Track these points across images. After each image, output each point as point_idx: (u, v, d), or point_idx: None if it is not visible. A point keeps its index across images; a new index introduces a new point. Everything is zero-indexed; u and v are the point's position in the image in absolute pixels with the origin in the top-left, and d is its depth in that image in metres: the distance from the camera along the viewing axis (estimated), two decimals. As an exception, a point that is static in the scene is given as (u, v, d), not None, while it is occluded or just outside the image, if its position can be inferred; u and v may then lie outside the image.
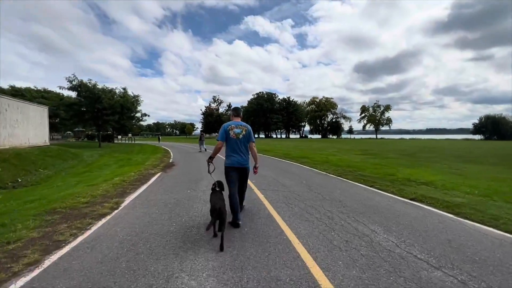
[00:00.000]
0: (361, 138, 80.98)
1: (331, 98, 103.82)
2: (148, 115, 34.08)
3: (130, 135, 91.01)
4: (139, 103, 31.27)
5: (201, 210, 4.42)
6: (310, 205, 4.77)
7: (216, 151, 3.73)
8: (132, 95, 29.44)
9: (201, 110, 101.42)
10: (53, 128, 45.84)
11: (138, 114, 31.10)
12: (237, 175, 3.81)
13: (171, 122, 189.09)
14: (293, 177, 8.07)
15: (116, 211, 4.40)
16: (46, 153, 13.49)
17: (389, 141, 53.63)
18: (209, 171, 4.01)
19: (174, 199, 5.16)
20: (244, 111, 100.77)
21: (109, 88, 21.85)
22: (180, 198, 5.24)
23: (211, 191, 3.64)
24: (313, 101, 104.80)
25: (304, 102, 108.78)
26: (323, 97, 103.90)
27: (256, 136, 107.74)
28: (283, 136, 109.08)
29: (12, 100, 14.76)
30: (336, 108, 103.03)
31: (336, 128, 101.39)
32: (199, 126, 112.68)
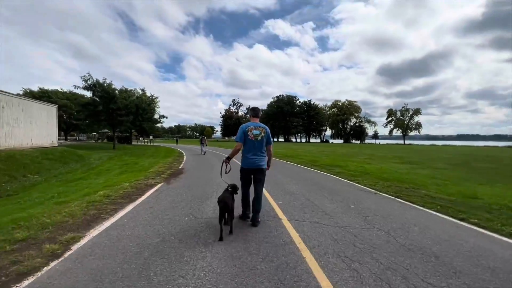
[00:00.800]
0: (387, 144, 75.72)
1: (355, 102, 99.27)
2: (166, 117, 33.36)
3: (151, 137, 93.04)
4: (156, 104, 30.58)
5: (202, 271, 2.45)
6: (388, 265, 2.64)
7: (235, 152, 3.70)
8: (149, 96, 28.70)
9: (220, 113, 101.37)
10: (77, 129, 46.82)
11: (156, 116, 30.58)
12: (253, 177, 3.77)
13: (192, 125, 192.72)
14: (334, 197, 5.92)
15: (43, 271, 2.46)
16: (47, 155, 12.49)
17: (422, 147, 48.93)
18: (222, 174, 4.04)
19: (159, 238, 3.26)
20: (263, 114, 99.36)
21: (125, 89, 21.88)
22: (169, 236, 3.33)
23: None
24: (335, 105, 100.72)
25: (325, 106, 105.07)
26: (346, 100, 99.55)
27: (274, 140, 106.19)
28: (303, 140, 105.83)
29: (12, 97, 13.66)
30: (359, 112, 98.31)
31: (359, 132, 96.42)
32: (218, 129, 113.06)
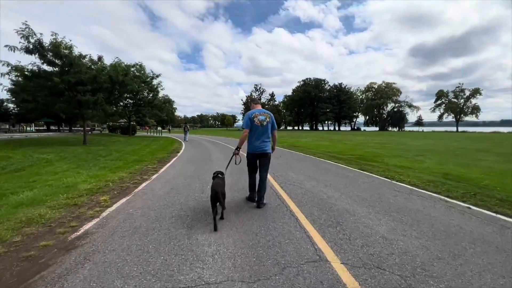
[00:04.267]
0: (433, 131, 64.45)
1: (393, 83, 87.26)
2: (172, 101, 28.08)
3: (169, 127, 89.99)
4: (151, 81, 24.49)
5: None
6: None
7: (243, 139, 3.76)
8: (135, 64, 19.93)
9: (242, 100, 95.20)
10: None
11: (154, 97, 24.99)
12: (259, 161, 3.88)
13: (214, 114, 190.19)
14: None
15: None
16: None
17: (482, 135, 38.65)
18: (235, 163, 4.03)
19: None
20: (289, 100, 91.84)
21: (99, 58, 14.26)
22: None
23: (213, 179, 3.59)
24: (370, 88, 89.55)
25: (357, 89, 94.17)
26: (383, 82, 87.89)
27: (298, 128, 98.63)
28: (331, 128, 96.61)
29: None
30: (399, 95, 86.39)
31: (398, 119, 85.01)
32: (240, 117, 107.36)
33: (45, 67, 12.17)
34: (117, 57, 15.38)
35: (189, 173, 6.54)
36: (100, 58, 13.99)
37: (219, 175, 3.68)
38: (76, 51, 12.86)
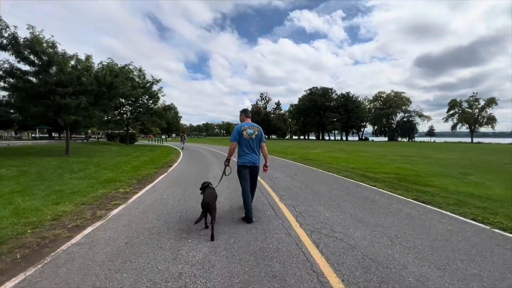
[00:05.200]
0: (446, 142, 61.37)
1: (403, 93, 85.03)
2: (174, 108, 26.32)
3: (174, 135, 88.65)
4: (150, 87, 22.88)
5: None
6: None
7: (231, 152, 3.82)
8: (129, 66, 15.94)
9: (248, 108, 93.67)
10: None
11: (153, 104, 23.32)
12: (249, 173, 3.85)
13: (219, 123, 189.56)
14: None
15: None
16: None
17: (503, 146, 35.71)
18: (225, 174, 4.03)
19: None
20: (295, 109, 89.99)
21: (88, 57, 12.20)
22: None
23: (202, 190, 3.59)
24: (378, 97, 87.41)
25: (365, 99, 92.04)
26: (392, 91, 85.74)
27: (304, 137, 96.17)
28: (337, 138, 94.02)
29: None
30: (408, 105, 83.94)
31: (408, 129, 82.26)
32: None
33: (22, 65, 10.40)
34: (109, 58, 13.74)
35: (170, 204, 4.49)
36: (88, 58, 12.27)
37: (209, 185, 3.66)
38: (60, 49, 11.19)
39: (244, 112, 4.05)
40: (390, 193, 5.53)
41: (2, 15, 9.64)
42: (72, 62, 11.83)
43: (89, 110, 12.08)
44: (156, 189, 5.70)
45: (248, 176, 3.83)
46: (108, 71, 12.06)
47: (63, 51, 11.32)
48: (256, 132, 3.83)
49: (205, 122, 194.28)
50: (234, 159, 3.95)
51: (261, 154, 4.00)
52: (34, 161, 9.99)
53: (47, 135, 50.17)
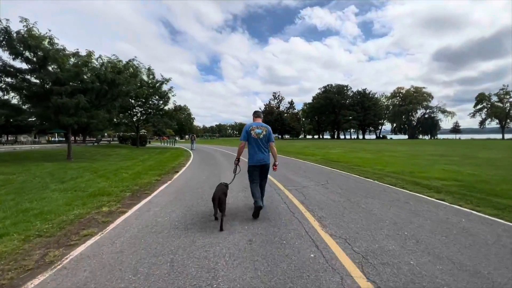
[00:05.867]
0: (473, 139, 56.95)
1: (423, 88, 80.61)
2: (185, 108, 25.24)
3: (187, 137, 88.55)
4: (160, 87, 21.89)
5: None
6: None
7: (240, 151, 3.93)
8: (134, 63, 14.44)
9: (260, 108, 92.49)
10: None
11: (164, 104, 22.33)
12: (259, 172, 3.94)
13: (232, 123, 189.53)
14: None
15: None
16: None
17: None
18: (234, 172, 4.08)
19: None
20: (309, 108, 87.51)
21: (89, 53, 10.96)
22: None
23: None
24: (397, 93, 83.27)
25: (382, 95, 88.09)
26: (412, 87, 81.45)
27: (319, 137, 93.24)
28: (353, 136, 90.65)
29: None
30: (430, 101, 79.37)
31: (430, 126, 77.80)
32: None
33: (18, 63, 9.48)
34: (114, 54, 12.71)
35: (163, 235, 3.11)
36: (89, 54, 11.24)
37: (223, 183, 3.85)
38: (59, 45, 10.25)
39: (254, 113, 4.23)
40: (480, 214, 3.86)
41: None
42: (73, 60, 10.86)
43: (91, 110, 11.05)
44: (151, 206, 4.36)
45: (258, 177, 3.94)
46: (109, 67, 10.96)
47: (62, 47, 10.36)
48: (264, 132, 3.92)
49: (218, 123, 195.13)
50: (243, 158, 3.98)
51: (270, 153, 4.03)
52: (30, 167, 9.03)
53: (64, 139, 51.08)
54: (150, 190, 5.68)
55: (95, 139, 39.90)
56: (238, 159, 4.02)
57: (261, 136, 3.87)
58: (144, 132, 28.95)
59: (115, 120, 21.05)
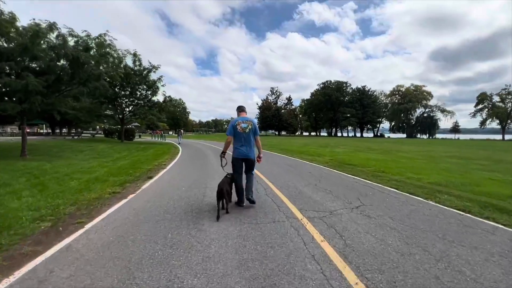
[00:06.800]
0: (472, 139, 55.85)
1: (423, 86, 79.29)
2: (173, 99, 23.05)
3: (182, 131, 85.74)
4: (147, 75, 19.75)
5: None
6: None
7: (227, 145, 4.06)
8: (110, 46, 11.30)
9: (257, 104, 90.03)
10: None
11: (152, 95, 19.93)
12: (243, 165, 4.04)
13: (228, 119, 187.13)
14: None
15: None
16: None
17: None
18: (221, 165, 4.13)
19: None
20: (307, 104, 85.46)
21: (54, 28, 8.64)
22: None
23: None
24: (396, 91, 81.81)
25: (381, 93, 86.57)
26: (412, 85, 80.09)
27: (316, 134, 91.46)
28: (351, 134, 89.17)
29: None
30: (429, 100, 78.17)
31: (429, 125, 76.71)
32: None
33: None
34: (85, 30, 10.27)
35: None
36: (51, 26, 8.83)
37: (227, 175, 4.02)
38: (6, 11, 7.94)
39: (238, 108, 4.26)
40: None
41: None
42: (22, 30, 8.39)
43: (50, 96, 8.80)
44: (58, 267, 2.29)
45: (242, 169, 4.04)
46: (66, 41, 8.54)
47: (10, 14, 8.03)
48: (250, 126, 3.96)
49: (214, 118, 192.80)
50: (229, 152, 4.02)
51: (255, 147, 4.08)
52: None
53: (50, 131, 48.01)
54: (90, 215, 3.59)
55: (75, 131, 37.05)
56: (224, 152, 4.15)
57: (247, 130, 3.92)
58: (131, 126, 26.60)
59: (97, 111, 18.68)
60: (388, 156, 13.94)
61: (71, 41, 9.03)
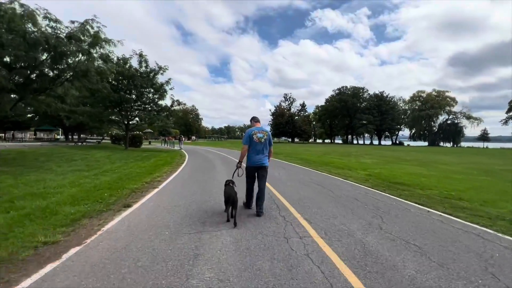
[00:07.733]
0: (502, 148, 51.07)
1: (447, 91, 74.71)
2: (182, 103, 21.42)
3: (194, 137, 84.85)
4: (154, 77, 18.25)
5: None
6: None
7: (243, 154, 4.11)
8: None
9: (270, 110, 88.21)
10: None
11: (158, 98, 18.44)
12: (257, 173, 4.11)
13: (241, 126, 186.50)
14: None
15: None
16: None
17: None
18: (238, 175, 4.20)
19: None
20: (322, 111, 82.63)
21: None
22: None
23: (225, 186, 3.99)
24: (417, 97, 77.62)
25: (399, 99, 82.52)
26: (434, 90, 75.80)
27: (330, 141, 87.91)
28: (367, 142, 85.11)
29: None
30: (453, 106, 73.42)
31: (453, 132, 71.77)
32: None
33: None
34: (75, 21, 8.74)
35: None
36: (32, 13, 7.29)
37: (230, 183, 3.98)
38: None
39: (253, 118, 4.41)
40: None
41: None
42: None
43: (24, 95, 7.20)
44: None
45: (255, 178, 4.12)
46: (34, 19, 6.88)
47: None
48: (265, 136, 4.08)
49: (226, 125, 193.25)
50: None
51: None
52: None
53: (63, 137, 47.76)
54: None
55: (78, 138, 36.07)
56: (240, 162, 4.22)
57: (263, 140, 4.03)
58: (139, 133, 25.28)
59: (99, 116, 17.31)
60: (432, 170, 11.47)
61: (45, 25, 7.37)
